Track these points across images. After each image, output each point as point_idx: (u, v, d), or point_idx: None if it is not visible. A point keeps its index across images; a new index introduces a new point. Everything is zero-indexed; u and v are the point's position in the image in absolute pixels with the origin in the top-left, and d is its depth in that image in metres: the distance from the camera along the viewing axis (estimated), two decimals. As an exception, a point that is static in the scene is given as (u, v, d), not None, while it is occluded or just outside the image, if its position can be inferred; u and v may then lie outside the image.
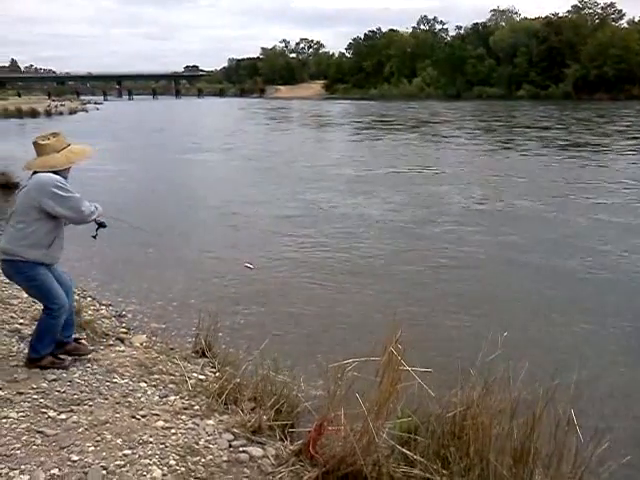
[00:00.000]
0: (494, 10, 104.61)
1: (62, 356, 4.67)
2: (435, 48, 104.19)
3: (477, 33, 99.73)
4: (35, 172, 4.28)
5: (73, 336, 4.87)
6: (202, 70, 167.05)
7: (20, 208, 4.22)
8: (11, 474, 3.07)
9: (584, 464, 3.03)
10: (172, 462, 3.39)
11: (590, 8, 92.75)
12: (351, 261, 9.19)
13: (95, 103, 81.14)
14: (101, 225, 4.67)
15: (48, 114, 53.76)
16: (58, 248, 4.44)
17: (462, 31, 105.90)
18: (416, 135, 32.12)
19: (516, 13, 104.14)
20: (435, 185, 16.48)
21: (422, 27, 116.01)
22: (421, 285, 8.08)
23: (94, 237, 4.75)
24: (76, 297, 6.79)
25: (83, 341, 5.11)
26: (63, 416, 3.79)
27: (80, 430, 3.63)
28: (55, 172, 4.25)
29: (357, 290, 7.82)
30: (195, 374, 4.88)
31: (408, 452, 3.32)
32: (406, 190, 15.57)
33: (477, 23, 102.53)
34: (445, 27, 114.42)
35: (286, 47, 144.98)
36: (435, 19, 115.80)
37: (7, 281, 6.98)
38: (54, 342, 4.56)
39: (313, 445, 3.45)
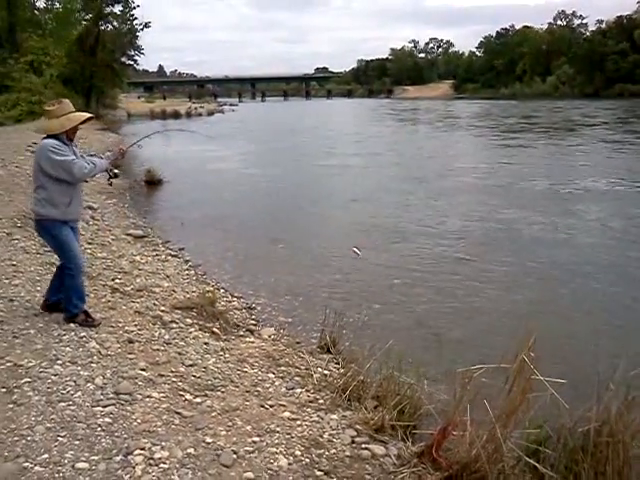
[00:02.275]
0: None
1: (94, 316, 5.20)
2: (572, 44, 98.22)
3: (620, 27, 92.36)
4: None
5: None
6: (331, 72, 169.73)
7: (34, 175, 4.87)
8: (153, 449, 3.32)
9: None
10: (297, 452, 3.51)
11: None
12: (495, 270, 8.77)
13: (231, 105, 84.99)
14: (112, 176, 5.24)
15: (189, 115, 57.09)
16: (77, 206, 5.00)
17: (603, 25, 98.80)
18: (583, 140, 27.64)
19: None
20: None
21: (559, 23, 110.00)
22: (556, 290, 7.69)
23: (110, 184, 5.44)
24: (210, 288, 7.24)
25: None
26: (198, 400, 4.04)
27: (213, 414, 3.85)
28: (55, 136, 4.76)
29: (486, 294, 7.59)
30: (320, 369, 4.99)
31: (537, 464, 3.18)
32: (619, 210, 12.57)
33: (621, 16, 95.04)
34: (584, 22, 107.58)
35: (415, 47, 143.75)
36: (574, 14, 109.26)
37: (150, 270, 7.60)
38: (82, 300, 5.08)
39: (437, 448, 3.41)
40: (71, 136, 4.91)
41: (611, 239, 10.35)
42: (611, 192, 14.80)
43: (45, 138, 4.82)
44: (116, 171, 5.35)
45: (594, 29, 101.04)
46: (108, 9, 42.42)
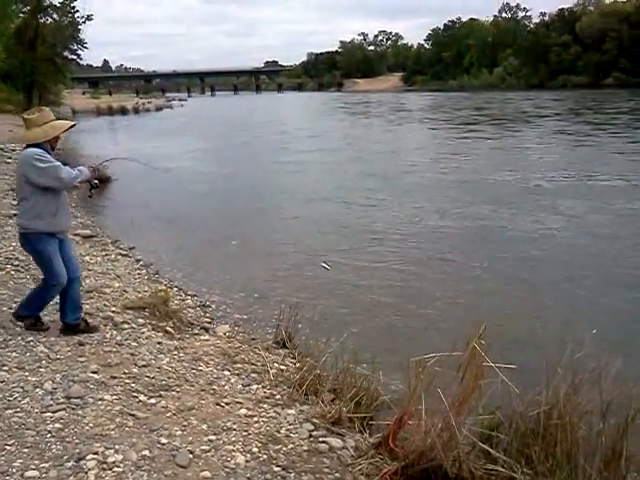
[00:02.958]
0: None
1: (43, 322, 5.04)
2: (517, 36, 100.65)
3: (563, 19, 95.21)
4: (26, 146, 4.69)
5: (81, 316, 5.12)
6: (281, 65, 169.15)
7: (17, 186, 4.74)
8: (106, 453, 3.24)
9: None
10: (254, 449, 3.49)
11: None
12: (448, 264, 8.96)
13: (180, 100, 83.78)
14: (93, 186, 5.08)
15: (136, 111, 56.05)
16: (64, 217, 4.83)
17: (546, 18, 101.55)
18: (541, 132, 27.79)
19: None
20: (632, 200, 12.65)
21: (504, 15, 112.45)
22: (506, 280, 7.88)
23: (90, 197, 5.30)
24: (162, 287, 7.13)
25: (90, 321, 5.25)
26: (153, 400, 3.97)
27: (168, 415, 3.79)
28: (38, 145, 4.59)
29: (439, 286, 7.71)
30: (276, 364, 4.99)
31: (490, 449, 3.25)
32: (599, 205, 12.35)
33: (563, 9, 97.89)
34: (528, 14, 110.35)
35: (364, 40, 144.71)
36: (518, 6, 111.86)
37: (100, 271, 7.43)
38: (39, 310, 4.96)
39: (393, 438, 3.45)
40: (53, 145, 4.73)
41: (569, 232, 10.48)
42: (576, 185, 14.75)
43: (26, 148, 4.63)
44: (96, 181, 5.10)
45: (538, 21, 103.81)
46: (47, 1, 41.05)
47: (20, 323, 4.94)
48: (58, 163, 4.59)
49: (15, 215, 9.30)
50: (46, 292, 4.85)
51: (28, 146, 4.63)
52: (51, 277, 4.75)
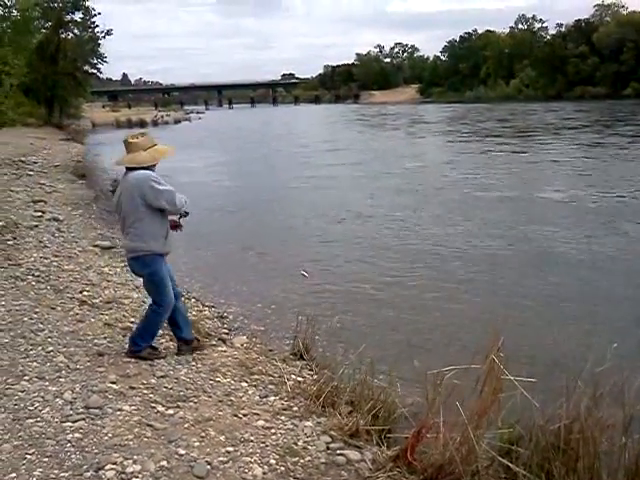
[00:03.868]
0: (598, 5, 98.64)
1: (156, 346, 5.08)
2: (534, 48, 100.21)
3: (579, 30, 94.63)
4: (127, 169, 4.66)
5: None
6: (298, 78, 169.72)
7: (129, 210, 4.61)
8: (125, 463, 3.26)
9: None
10: (272, 461, 3.48)
11: None
12: (454, 269, 9.00)
13: (197, 112, 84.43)
14: (183, 215, 4.98)
15: (155, 124, 56.60)
16: (171, 238, 4.86)
17: (563, 29, 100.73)
18: (574, 145, 26.25)
19: (623, 7, 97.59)
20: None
21: (520, 26, 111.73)
22: (524, 291, 7.81)
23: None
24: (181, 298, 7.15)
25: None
26: (171, 411, 3.99)
27: (186, 425, 3.81)
28: (145, 168, 4.62)
29: (457, 297, 7.66)
30: (293, 376, 4.98)
31: (510, 463, 3.22)
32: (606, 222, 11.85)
33: (579, 20, 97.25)
34: (544, 25, 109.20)
35: (380, 52, 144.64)
36: (534, 18, 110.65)
37: (119, 282, 7.48)
38: (154, 337, 4.96)
39: (411, 452, 3.42)
40: (154, 169, 4.76)
41: (599, 249, 10.07)
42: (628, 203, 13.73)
43: (130, 170, 4.63)
44: (185, 210, 4.94)
45: (554, 33, 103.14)
46: (68, 17, 41.73)
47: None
48: (172, 188, 4.64)
49: (36, 226, 9.47)
50: (158, 316, 4.82)
51: (130, 169, 4.62)
52: (163, 299, 4.76)
